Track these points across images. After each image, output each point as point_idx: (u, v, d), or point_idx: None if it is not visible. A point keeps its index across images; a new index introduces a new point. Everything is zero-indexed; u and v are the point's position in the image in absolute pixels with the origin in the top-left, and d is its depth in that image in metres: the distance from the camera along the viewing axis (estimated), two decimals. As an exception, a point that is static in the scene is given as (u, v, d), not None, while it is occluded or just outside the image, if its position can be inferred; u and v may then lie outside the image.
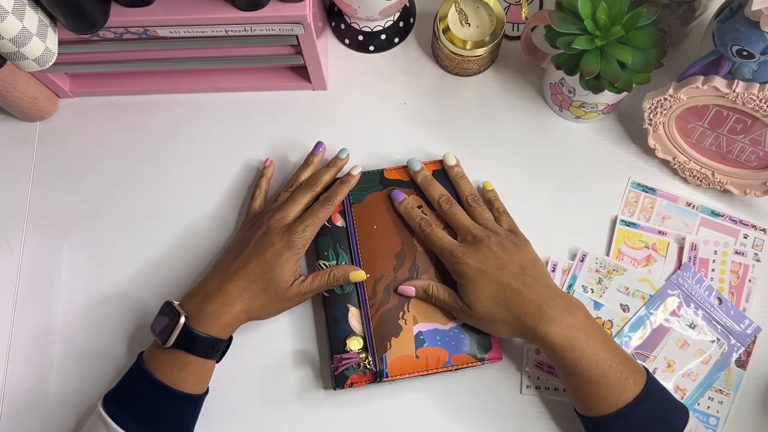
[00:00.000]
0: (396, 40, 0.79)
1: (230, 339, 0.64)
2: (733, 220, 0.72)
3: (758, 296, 0.70)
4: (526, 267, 0.63)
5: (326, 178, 0.70)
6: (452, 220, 0.67)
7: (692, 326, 0.69)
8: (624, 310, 0.69)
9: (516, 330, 0.62)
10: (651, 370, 0.61)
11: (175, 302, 0.62)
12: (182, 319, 0.60)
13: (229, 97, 0.78)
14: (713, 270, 0.70)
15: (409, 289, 0.67)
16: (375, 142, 0.76)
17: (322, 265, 0.68)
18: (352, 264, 0.68)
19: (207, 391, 0.65)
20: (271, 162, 0.73)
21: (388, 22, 0.77)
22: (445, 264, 0.66)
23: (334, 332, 0.67)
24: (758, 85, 0.61)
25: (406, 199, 0.69)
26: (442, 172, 0.71)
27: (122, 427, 0.59)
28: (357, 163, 0.71)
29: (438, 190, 0.69)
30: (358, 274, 0.66)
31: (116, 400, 0.61)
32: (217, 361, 0.64)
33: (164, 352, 0.61)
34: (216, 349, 0.62)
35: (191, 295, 0.63)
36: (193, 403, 0.63)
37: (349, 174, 0.70)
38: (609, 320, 0.69)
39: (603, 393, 0.59)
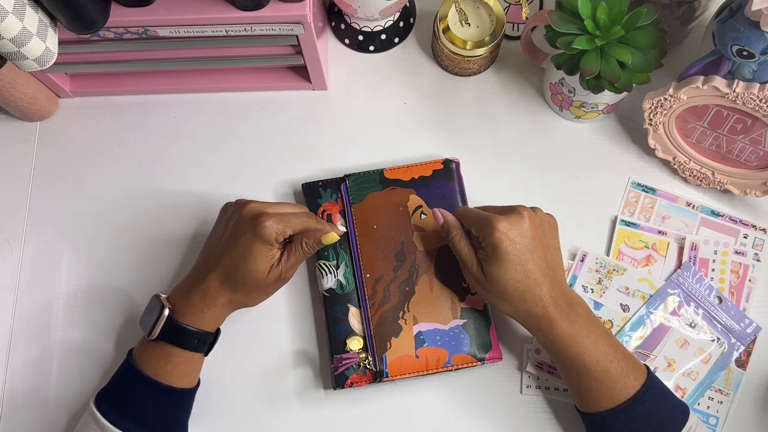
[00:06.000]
0: (396, 40, 0.79)
1: (218, 332, 0.64)
2: (733, 220, 0.72)
3: (758, 296, 0.70)
4: (552, 256, 0.61)
5: (306, 223, 0.63)
6: (484, 209, 0.63)
7: (692, 325, 0.69)
8: (624, 310, 0.69)
9: (519, 316, 0.61)
10: (651, 369, 0.61)
11: (163, 295, 0.62)
12: (166, 311, 0.60)
13: (229, 97, 0.78)
14: (713, 270, 0.70)
15: (438, 217, 0.65)
16: (375, 142, 0.76)
17: (323, 265, 0.69)
18: (353, 265, 0.68)
19: (198, 385, 0.64)
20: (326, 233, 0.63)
21: (388, 22, 0.77)
22: (479, 236, 0.61)
23: (334, 332, 0.67)
24: (758, 85, 0.61)
25: (446, 223, 0.65)
26: (442, 171, 0.71)
27: (112, 424, 0.59)
28: (340, 224, 0.70)
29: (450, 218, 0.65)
30: (330, 236, 0.63)
31: (107, 397, 0.61)
32: (205, 354, 0.63)
33: (151, 346, 0.61)
34: (203, 341, 0.62)
35: (178, 288, 0.63)
36: (183, 397, 0.63)
37: (335, 226, 0.67)
38: (609, 320, 0.69)
39: (604, 388, 0.59)
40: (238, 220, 0.61)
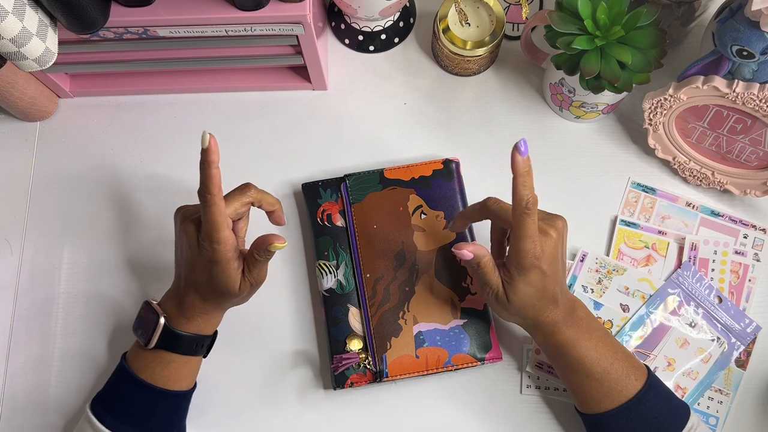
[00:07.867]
0: (396, 40, 0.79)
1: (215, 333, 0.63)
2: (733, 220, 0.72)
3: (758, 296, 0.70)
4: (564, 266, 0.60)
5: (239, 208, 0.60)
6: (528, 222, 0.56)
7: (692, 325, 0.69)
8: (624, 310, 0.69)
9: (525, 323, 0.61)
10: (651, 369, 0.61)
11: (154, 302, 0.61)
12: (162, 320, 0.59)
13: (229, 97, 0.78)
14: (713, 270, 0.70)
15: (466, 254, 0.57)
16: (375, 142, 0.76)
17: (323, 265, 0.69)
18: (353, 265, 0.68)
19: (195, 386, 0.64)
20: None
21: (388, 22, 0.77)
22: (517, 252, 0.56)
23: (334, 332, 0.67)
24: (758, 85, 0.61)
25: (529, 159, 0.56)
26: (442, 171, 0.71)
27: (109, 429, 0.59)
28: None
29: (530, 190, 0.56)
30: (277, 245, 0.56)
31: (103, 402, 0.61)
32: (204, 356, 0.63)
33: (147, 352, 0.61)
34: (201, 345, 0.61)
35: (169, 295, 0.62)
36: (180, 399, 0.63)
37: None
38: (609, 320, 0.69)
39: (604, 389, 0.59)
40: (186, 246, 0.59)
